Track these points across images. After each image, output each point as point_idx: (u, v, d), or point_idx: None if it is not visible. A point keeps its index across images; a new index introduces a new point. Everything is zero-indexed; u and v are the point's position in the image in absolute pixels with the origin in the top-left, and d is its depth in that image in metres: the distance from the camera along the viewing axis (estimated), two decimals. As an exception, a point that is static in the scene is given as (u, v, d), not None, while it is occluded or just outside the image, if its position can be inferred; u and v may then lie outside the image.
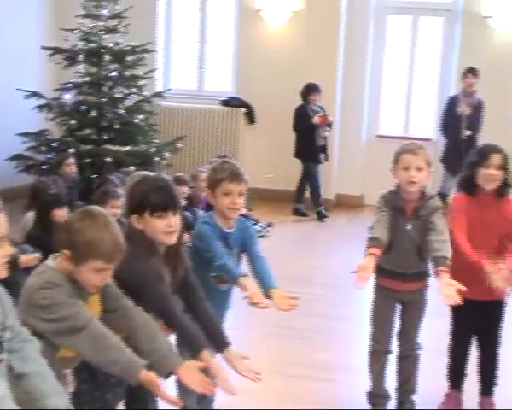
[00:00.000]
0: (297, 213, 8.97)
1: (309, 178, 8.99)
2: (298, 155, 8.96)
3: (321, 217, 8.80)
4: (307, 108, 8.75)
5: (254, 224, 7.82)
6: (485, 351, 3.77)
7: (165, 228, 2.58)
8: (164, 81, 10.08)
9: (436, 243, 3.31)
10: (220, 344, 2.76)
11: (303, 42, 9.24)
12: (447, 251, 3.28)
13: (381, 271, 3.57)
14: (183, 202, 6.91)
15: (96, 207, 2.50)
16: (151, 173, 3.47)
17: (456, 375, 3.84)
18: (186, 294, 2.80)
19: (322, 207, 8.89)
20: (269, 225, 7.92)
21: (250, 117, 9.84)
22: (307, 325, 5.05)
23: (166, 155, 8.60)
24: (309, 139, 8.80)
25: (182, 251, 2.76)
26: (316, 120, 8.68)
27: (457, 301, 3.07)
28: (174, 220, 2.60)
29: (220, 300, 3.19)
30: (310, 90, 8.73)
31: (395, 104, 9.83)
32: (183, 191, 6.93)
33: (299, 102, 9.03)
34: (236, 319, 4.65)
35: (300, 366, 4.33)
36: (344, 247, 7.26)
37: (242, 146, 9.81)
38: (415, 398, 3.72)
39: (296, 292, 3.08)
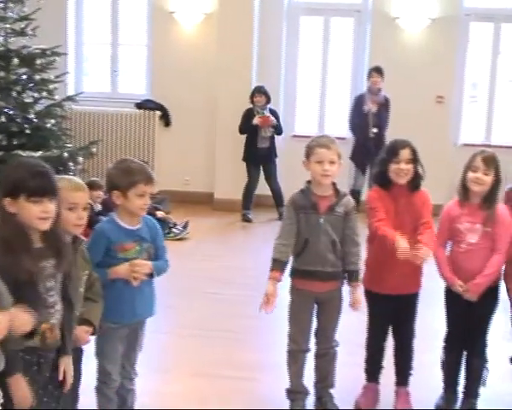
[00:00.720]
0: (243, 219, 8.91)
1: (248, 180, 9.01)
2: (243, 157, 8.97)
3: (244, 220, 8.85)
4: (254, 109, 8.78)
5: (172, 227, 7.78)
6: (401, 343, 3.86)
7: (41, 214, 2.52)
8: (76, 84, 9.89)
9: (351, 256, 3.57)
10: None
11: (216, 43, 9.25)
12: (359, 263, 3.59)
13: (297, 272, 3.62)
14: (99, 207, 6.82)
15: None
16: (30, 159, 3.41)
17: (372, 367, 3.92)
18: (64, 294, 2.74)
19: (249, 212, 8.91)
20: (185, 225, 7.87)
21: (165, 119, 9.77)
22: (228, 325, 5.06)
23: (80, 159, 8.40)
24: (250, 141, 8.83)
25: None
26: (255, 120, 8.70)
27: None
28: (50, 207, 2.54)
29: (131, 296, 3.19)
30: (254, 92, 8.79)
31: (310, 104, 9.96)
32: (98, 196, 6.83)
33: (214, 103, 9.04)
34: (157, 322, 4.62)
35: (222, 367, 4.32)
36: (264, 247, 7.24)
37: (158, 149, 9.73)
38: (333, 392, 3.78)
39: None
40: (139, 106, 9.74)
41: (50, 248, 2.59)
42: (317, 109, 9.91)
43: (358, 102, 8.46)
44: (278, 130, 8.88)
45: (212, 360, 4.44)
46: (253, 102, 8.83)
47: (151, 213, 7.34)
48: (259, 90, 8.81)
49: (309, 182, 3.63)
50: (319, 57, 9.81)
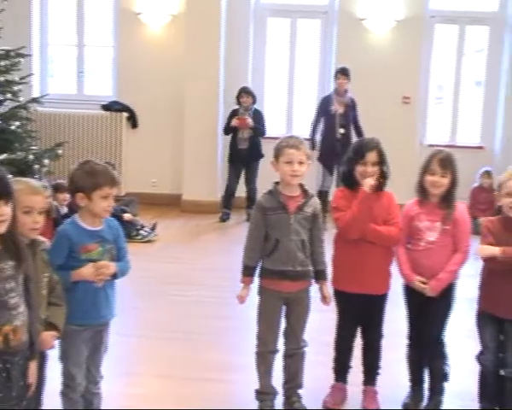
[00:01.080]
0: (221, 218, 8.97)
1: (227, 180, 9.06)
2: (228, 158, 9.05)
3: (221, 219, 8.90)
4: (239, 110, 8.80)
5: (140, 229, 7.73)
6: (369, 343, 3.88)
7: None
8: (41, 86, 9.79)
9: (321, 256, 3.67)
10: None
11: (183, 45, 9.23)
12: (325, 263, 3.70)
13: (267, 272, 3.62)
14: (65, 210, 6.74)
15: None
16: None
17: (340, 367, 3.93)
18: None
19: (226, 211, 8.95)
20: (153, 227, 7.83)
21: (132, 121, 9.72)
22: (195, 326, 5.04)
23: (46, 162, 8.31)
24: (232, 142, 8.88)
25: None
26: (233, 122, 8.72)
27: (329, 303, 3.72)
28: (5, 210, 2.51)
29: (96, 297, 3.18)
30: (240, 92, 8.80)
31: (278, 105, 9.98)
32: (64, 198, 6.76)
33: (181, 105, 9.02)
34: (123, 324, 4.59)
35: (189, 368, 4.30)
36: (232, 248, 7.28)
37: (126, 151, 9.68)
38: (301, 392, 3.79)
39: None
40: (106, 108, 9.68)
41: (8, 251, 2.56)
42: (284, 110, 9.94)
43: (325, 104, 8.48)
44: (258, 131, 8.82)
45: (178, 361, 4.41)
46: (239, 102, 8.83)
47: (118, 215, 7.33)
48: (246, 91, 8.83)
49: (277, 183, 3.65)
50: (286, 58, 9.84)
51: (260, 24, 9.76)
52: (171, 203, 9.40)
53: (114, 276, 3.19)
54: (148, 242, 7.63)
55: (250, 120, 8.73)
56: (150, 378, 4.16)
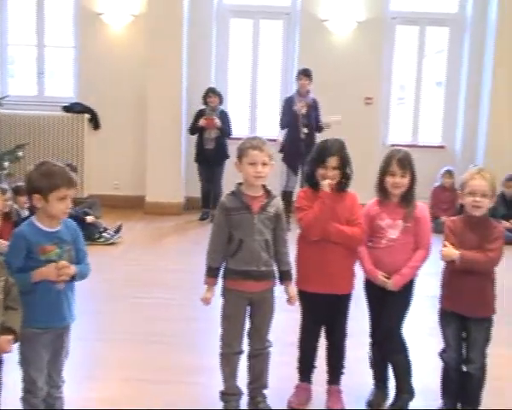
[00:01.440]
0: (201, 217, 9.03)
1: (200, 181, 9.07)
2: (194, 158, 9.06)
3: (201, 218, 8.96)
4: (205, 110, 8.80)
5: (103, 231, 7.65)
6: (333, 342, 3.89)
7: None
8: (1, 87, 9.65)
9: (285, 256, 3.67)
10: None
11: (145, 45, 9.17)
12: (290, 263, 3.70)
13: (231, 273, 3.61)
14: (26, 213, 6.64)
15: None
16: None
17: (305, 367, 3.93)
18: None
19: (205, 211, 8.96)
20: (118, 230, 7.76)
21: (94, 123, 9.62)
22: (159, 329, 5.00)
23: (6, 164, 8.22)
24: (199, 142, 8.87)
25: None
26: (201, 122, 8.72)
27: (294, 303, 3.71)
28: None
29: (58, 300, 3.15)
30: (207, 93, 8.83)
31: (241, 106, 9.98)
32: (24, 201, 6.64)
33: (144, 106, 8.95)
34: (86, 328, 4.54)
35: (152, 371, 4.26)
36: (195, 249, 7.26)
37: (88, 152, 9.57)
38: (266, 392, 3.78)
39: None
40: (67, 109, 9.56)
41: None
42: (247, 111, 9.94)
43: (288, 104, 8.51)
44: (225, 132, 8.84)
45: (142, 365, 4.37)
46: (205, 102, 8.83)
47: (81, 217, 7.25)
48: (213, 91, 8.86)
49: (240, 184, 3.64)
50: (249, 59, 9.84)
51: (223, 25, 9.75)
52: (134, 205, 9.33)
53: (73, 278, 3.16)
54: (112, 244, 7.56)
55: (218, 121, 8.74)
56: (114, 382, 4.11)
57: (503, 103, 9.24)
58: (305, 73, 8.45)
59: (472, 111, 9.66)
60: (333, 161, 3.67)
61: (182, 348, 4.69)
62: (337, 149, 3.71)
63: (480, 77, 9.54)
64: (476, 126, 9.63)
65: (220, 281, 3.67)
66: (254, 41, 9.81)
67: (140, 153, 9.42)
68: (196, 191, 9.19)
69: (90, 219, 7.57)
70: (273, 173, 3.71)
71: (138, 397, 3.91)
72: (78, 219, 6.89)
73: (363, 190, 3.98)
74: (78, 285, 3.28)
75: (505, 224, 8.02)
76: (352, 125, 9.06)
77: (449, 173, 9.12)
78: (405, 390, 3.85)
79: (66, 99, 9.68)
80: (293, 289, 3.74)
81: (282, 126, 8.59)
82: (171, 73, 9.11)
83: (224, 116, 8.89)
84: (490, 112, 9.35)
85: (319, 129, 8.41)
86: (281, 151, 8.41)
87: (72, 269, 3.12)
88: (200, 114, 8.85)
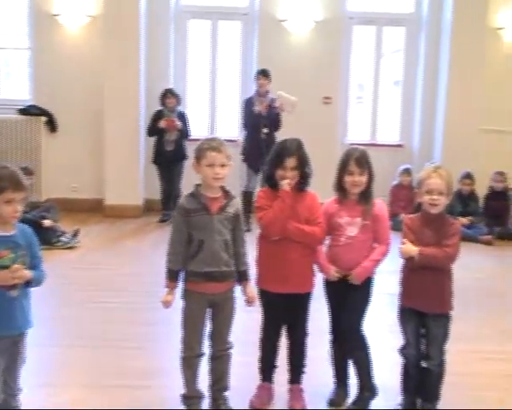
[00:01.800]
0: (160, 220, 8.96)
1: (160, 182, 9.02)
2: (152, 159, 9.00)
3: (160, 220, 8.90)
4: (163, 111, 8.74)
5: (60, 235, 7.55)
6: (294, 341, 3.89)
7: None
8: (-46, 90, 9.45)
9: (244, 257, 3.68)
10: None
11: (102, 46, 9.08)
12: (248, 263, 3.70)
13: (192, 275, 3.58)
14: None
15: None
16: None
17: (266, 367, 3.93)
18: None
19: (166, 213, 8.86)
20: (75, 234, 7.65)
21: (51, 125, 9.48)
22: (118, 333, 4.94)
23: (-40, 168, 8.04)
24: (158, 143, 8.82)
25: None
26: (161, 124, 8.66)
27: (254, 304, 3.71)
28: None
29: (11, 306, 3.10)
30: (165, 93, 8.79)
31: (200, 107, 9.94)
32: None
33: (101, 108, 8.85)
34: (43, 334, 4.46)
35: (112, 376, 4.21)
36: (154, 252, 7.22)
37: (45, 155, 9.43)
38: (227, 393, 3.77)
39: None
40: (23, 112, 9.41)
41: None
42: (207, 112, 9.91)
43: (248, 105, 8.51)
44: (184, 133, 8.83)
45: (101, 369, 4.31)
46: (164, 103, 8.78)
47: (38, 221, 7.14)
48: (171, 92, 8.84)
49: (198, 185, 3.63)
50: (208, 60, 9.81)
51: (181, 26, 9.70)
52: (93, 208, 9.23)
53: (28, 284, 3.10)
54: (70, 248, 7.46)
55: (178, 122, 8.70)
56: (72, 388, 4.05)
57: (459, 102, 9.37)
58: (263, 74, 8.47)
59: (429, 110, 9.78)
60: (291, 162, 3.68)
61: (142, 351, 4.65)
62: (295, 149, 3.72)
63: (437, 76, 9.66)
64: (433, 125, 9.76)
65: (180, 283, 3.64)
66: (213, 42, 9.79)
67: (98, 155, 9.32)
68: (155, 193, 9.14)
69: (47, 222, 7.46)
70: (233, 174, 3.70)
71: (98, 402, 3.85)
72: (36, 223, 6.80)
73: (322, 190, 3.98)
74: (35, 291, 3.23)
75: (462, 220, 8.14)
76: (311, 125, 9.11)
77: (407, 172, 9.23)
78: (367, 388, 3.87)
79: (22, 101, 9.53)
80: (253, 289, 3.74)
81: (246, 127, 8.58)
82: (128, 74, 9.03)
83: (182, 117, 8.87)
84: (446, 110, 9.48)
85: (276, 122, 8.38)
86: (242, 153, 8.41)
87: (27, 273, 3.07)
88: (157, 115, 8.80)
